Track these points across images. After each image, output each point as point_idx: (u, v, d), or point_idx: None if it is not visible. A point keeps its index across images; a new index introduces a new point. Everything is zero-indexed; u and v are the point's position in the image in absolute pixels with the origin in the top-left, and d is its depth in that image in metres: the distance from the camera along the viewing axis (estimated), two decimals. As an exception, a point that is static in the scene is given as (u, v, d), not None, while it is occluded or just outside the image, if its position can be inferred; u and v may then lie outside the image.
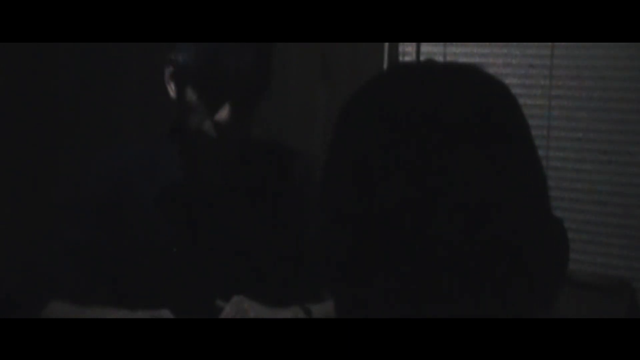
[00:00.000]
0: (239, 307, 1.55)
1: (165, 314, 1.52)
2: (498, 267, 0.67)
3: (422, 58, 2.72)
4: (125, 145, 1.79)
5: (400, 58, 2.75)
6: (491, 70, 0.74)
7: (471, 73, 0.72)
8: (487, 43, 2.58)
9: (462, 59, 2.64)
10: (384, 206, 0.67)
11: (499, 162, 0.67)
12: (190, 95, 1.58)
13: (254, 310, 1.55)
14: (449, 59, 2.67)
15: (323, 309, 1.63)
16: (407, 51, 2.74)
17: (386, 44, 2.75)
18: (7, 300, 1.69)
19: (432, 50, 2.71)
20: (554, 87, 2.57)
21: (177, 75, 1.62)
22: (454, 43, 2.64)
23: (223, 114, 1.55)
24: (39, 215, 2.94)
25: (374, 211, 0.67)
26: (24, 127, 3.10)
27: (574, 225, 2.50)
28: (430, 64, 0.74)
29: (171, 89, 1.64)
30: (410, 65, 0.75)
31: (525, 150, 0.70)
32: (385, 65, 2.76)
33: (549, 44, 2.54)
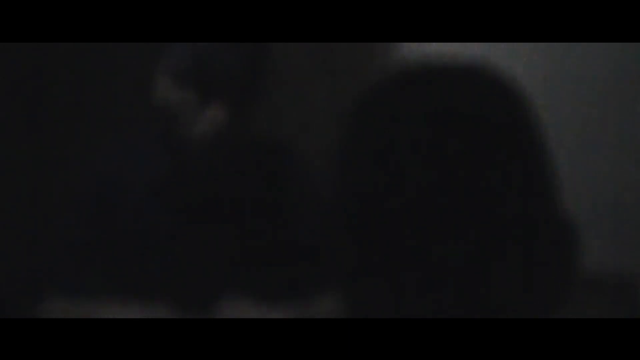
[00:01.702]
0: (238, 307, 1.55)
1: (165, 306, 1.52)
2: (508, 266, 0.67)
3: (421, 58, 2.72)
4: (122, 144, 1.79)
5: (401, 58, 2.75)
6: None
7: (481, 72, 0.72)
8: (487, 43, 2.58)
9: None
10: (392, 204, 0.67)
11: (510, 163, 0.67)
12: (182, 97, 1.58)
13: (254, 310, 1.55)
14: (448, 59, 2.67)
15: (323, 309, 1.63)
16: (407, 51, 2.74)
17: (386, 44, 2.75)
18: (6, 298, 1.69)
19: (432, 50, 2.71)
20: (554, 87, 2.57)
21: (172, 78, 1.61)
22: (454, 43, 2.64)
23: (215, 115, 1.55)
24: (38, 214, 2.94)
25: (383, 210, 0.67)
26: (23, 127, 3.10)
27: (574, 225, 2.51)
28: (440, 63, 0.74)
29: (166, 92, 1.64)
30: (419, 64, 0.75)
31: (534, 149, 0.70)
32: (385, 66, 2.76)
33: (549, 44, 2.54)
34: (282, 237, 1.71)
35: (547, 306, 0.70)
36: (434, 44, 2.69)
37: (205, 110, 1.57)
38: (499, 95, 0.71)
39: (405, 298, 0.67)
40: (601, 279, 2.46)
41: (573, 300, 2.34)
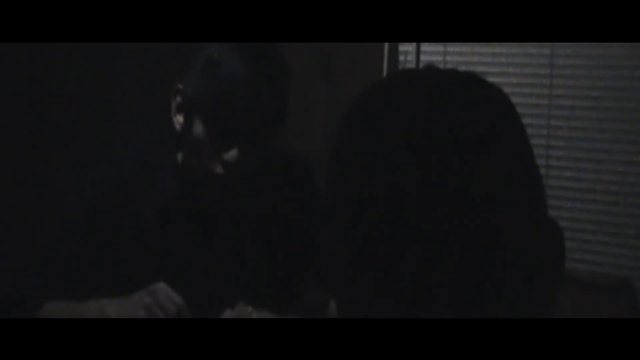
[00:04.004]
0: (242, 314, 1.53)
1: (162, 286, 1.49)
2: (497, 268, 0.67)
3: (422, 58, 2.71)
4: (125, 157, 1.73)
5: (401, 58, 2.75)
6: (491, 70, 0.75)
7: (470, 80, 0.74)
8: (487, 43, 2.58)
9: (462, 59, 2.64)
10: (386, 209, 0.68)
11: (498, 168, 0.69)
12: (199, 130, 1.50)
13: (255, 312, 1.54)
14: (449, 59, 2.67)
15: (326, 313, 1.62)
16: (407, 51, 2.74)
17: (386, 44, 2.75)
18: (6, 300, 1.67)
19: (432, 50, 2.71)
20: (554, 87, 2.57)
21: (186, 108, 1.53)
22: (454, 43, 2.64)
23: (233, 153, 1.48)
24: (37, 220, 2.94)
25: (376, 215, 0.68)
26: (22, 130, 3.10)
27: (574, 225, 2.51)
28: (431, 71, 0.75)
29: (177, 122, 1.56)
30: (410, 72, 0.77)
31: (522, 156, 0.72)
32: (385, 66, 2.76)
33: (549, 44, 2.54)
34: (285, 244, 1.69)
35: (536, 307, 0.70)
36: (434, 44, 2.69)
37: (219, 148, 1.51)
38: (491, 103, 0.72)
39: (401, 299, 0.68)
40: (601, 279, 2.46)
41: (572, 300, 2.34)
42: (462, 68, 0.76)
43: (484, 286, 0.67)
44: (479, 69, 2.60)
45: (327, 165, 0.74)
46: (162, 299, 1.47)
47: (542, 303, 0.71)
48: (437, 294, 0.67)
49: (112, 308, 1.52)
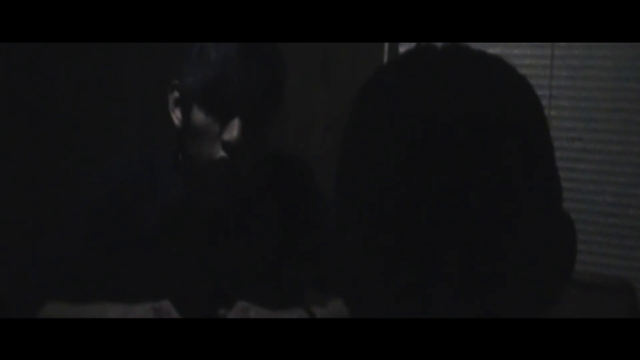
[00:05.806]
0: (243, 314, 1.53)
1: (165, 304, 1.50)
2: (508, 264, 0.66)
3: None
4: (126, 159, 1.73)
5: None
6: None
7: (495, 65, 0.72)
8: (487, 43, 2.58)
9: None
10: (394, 202, 0.66)
11: (516, 157, 0.67)
12: (197, 117, 1.52)
13: (259, 316, 1.54)
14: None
15: (327, 313, 1.62)
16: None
17: (386, 44, 2.75)
18: (6, 299, 1.67)
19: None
20: (554, 87, 2.58)
21: (182, 100, 1.55)
22: (455, 43, 2.64)
23: (233, 133, 1.49)
24: (37, 221, 2.94)
25: (385, 209, 0.67)
26: (22, 130, 3.10)
27: (574, 226, 2.51)
28: (453, 51, 0.73)
29: (176, 116, 1.57)
30: (429, 50, 0.74)
31: (542, 146, 0.69)
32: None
33: (549, 44, 2.54)
34: (287, 244, 1.70)
35: (544, 303, 0.70)
36: (433, 44, 2.69)
37: (219, 131, 1.51)
38: (512, 89, 0.70)
39: (405, 297, 0.67)
40: (601, 280, 2.46)
41: (572, 300, 2.34)
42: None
43: (495, 279, 0.66)
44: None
45: (339, 153, 0.72)
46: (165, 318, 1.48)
47: (550, 300, 0.70)
48: (445, 288, 0.66)
49: (113, 317, 1.52)
